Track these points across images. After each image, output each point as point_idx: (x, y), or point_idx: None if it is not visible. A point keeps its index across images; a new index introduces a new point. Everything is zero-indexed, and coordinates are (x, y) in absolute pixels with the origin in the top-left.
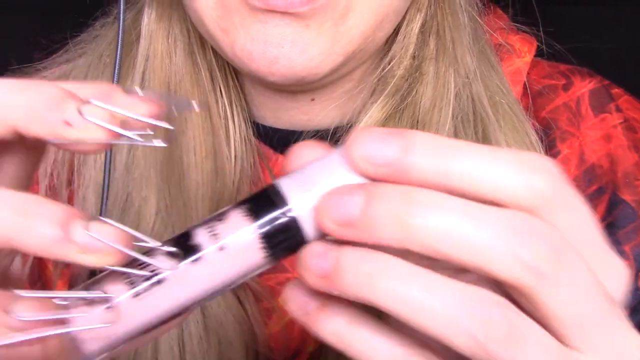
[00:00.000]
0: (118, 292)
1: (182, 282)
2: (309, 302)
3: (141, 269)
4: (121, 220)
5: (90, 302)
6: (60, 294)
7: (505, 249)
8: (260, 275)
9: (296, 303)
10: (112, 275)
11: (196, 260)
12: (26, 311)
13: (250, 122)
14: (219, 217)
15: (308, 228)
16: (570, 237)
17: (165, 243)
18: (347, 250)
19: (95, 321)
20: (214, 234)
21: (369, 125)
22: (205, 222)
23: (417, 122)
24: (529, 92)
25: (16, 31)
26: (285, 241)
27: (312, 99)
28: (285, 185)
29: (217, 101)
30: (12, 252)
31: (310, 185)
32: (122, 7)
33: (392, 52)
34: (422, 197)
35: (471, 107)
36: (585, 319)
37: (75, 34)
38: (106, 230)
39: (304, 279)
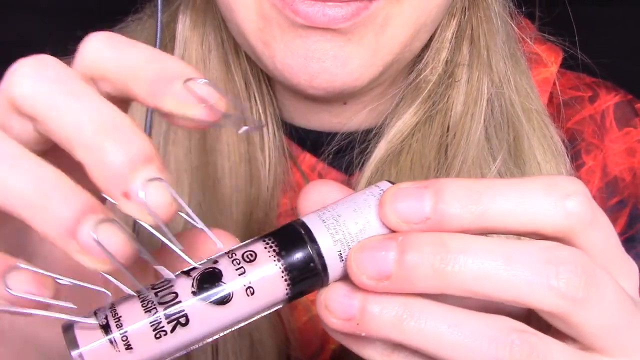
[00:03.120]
0: (132, 316)
1: (204, 323)
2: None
3: (157, 291)
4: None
5: (104, 324)
6: (65, 279)
7: (540, 282)
8: None
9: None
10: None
11: (224, 303)
12: (20, 284)
13: (282, 122)
14: (248, 254)
15: (333, 273)
16: (597, 251)
17: (189, 271)
18: (373, 295)
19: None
20: (242, 274)
21: (402, 129)
22: (232, 256)
23: (449, 128)
24: (554, 101)
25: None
26: (309, 283)
27: (345, 103)
28: (316, 228)
29: (251, 108)
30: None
31: (342, 231)
32: (159, 15)
33: (424, 58)
34: (455, 244)
35: (504, 113)
36: (615, 328)
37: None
38: (113, 236)
39: (324, 320)
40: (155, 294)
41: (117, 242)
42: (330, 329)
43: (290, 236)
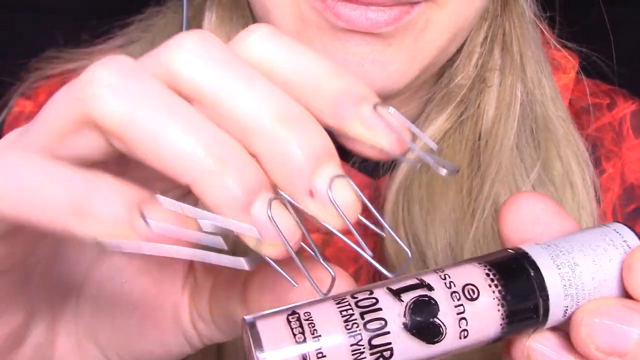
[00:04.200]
0: (329, 329)
1: (407, 359)
2: None
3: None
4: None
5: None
6: (218, 219)
7: None
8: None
9: None
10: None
11: (434, 342)
12: (160, 218)
13: None
14: (470, 289)
15: (550, 324)
16: None
17: (395, 291)
18: None
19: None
20: (461, 313)
21: (434, 134)
22: (449, 286)
23: (480, 134)
24: (572, 108)
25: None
26: (520, 328)
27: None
28: (548, 274)
29: None
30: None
31: (576, 285)
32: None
33: (455, 62)
34: None
35: (535, 119)
36: None
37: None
38: (286, 217)
39: None
40: (360, 311)
41: (290, 224)
42: None
43: (518, 276)
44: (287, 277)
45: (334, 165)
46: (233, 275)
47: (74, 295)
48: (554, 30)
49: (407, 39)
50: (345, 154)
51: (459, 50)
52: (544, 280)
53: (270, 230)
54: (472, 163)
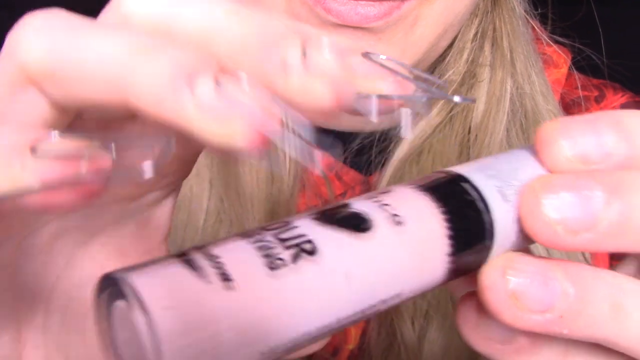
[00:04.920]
0: (230, 246)
1: (339, 254)
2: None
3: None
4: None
5: None
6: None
7: None
8: None
9: (487, 331)
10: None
11: (361, 230)
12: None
13: None
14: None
15: (501, 229)
16: None
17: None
18: (588, 272)
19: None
20: (384, 205)
21: (425, 129)
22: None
23: (470, 128)
24: (563, 102)
25: None
26: (472, 242)
27: None
28: (478, 180)
29: None
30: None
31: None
32: None
33: (447, 58)
34: None
35: (525, 113)
36: None
37: None
38: (244, 90)
39: (497, 312)
40: (272, 233)
41: (250, 97)
42: (496, 333)
43: (442, 182)
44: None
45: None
46: None
47: (41, 306)
48: (546, 26)
49: (398, 34)
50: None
51: (450, 46)
52: (471, 178)
53: (222, 109)
54: (462, 157)
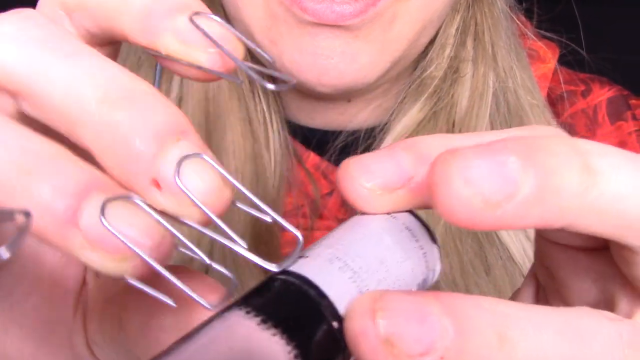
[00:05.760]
0: None
1: None
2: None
3: None
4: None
5: None
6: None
7: None
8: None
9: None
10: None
11: None
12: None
13: (285, 122)
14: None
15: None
16: None
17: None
18: (467, 301)
19: None
20: None
21: (408, 125)
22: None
23: (454, 123)
24: (550, 97)
25: None
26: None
27: (349, 101)
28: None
29: (255, 107)
30: None
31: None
32: None
33: (429, 54)
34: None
35: (510, 108)
36: None
37: None
38: (134, 217)
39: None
40: None
41: (140, 224)
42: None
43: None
44: (158, 296)
45: (185, 144)
46: (118, 293)
47: None
48: (532, 21)
49: (375, 31)
50: (321, 147)
51: (432, 42)
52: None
53: (110, 241)
54: None
